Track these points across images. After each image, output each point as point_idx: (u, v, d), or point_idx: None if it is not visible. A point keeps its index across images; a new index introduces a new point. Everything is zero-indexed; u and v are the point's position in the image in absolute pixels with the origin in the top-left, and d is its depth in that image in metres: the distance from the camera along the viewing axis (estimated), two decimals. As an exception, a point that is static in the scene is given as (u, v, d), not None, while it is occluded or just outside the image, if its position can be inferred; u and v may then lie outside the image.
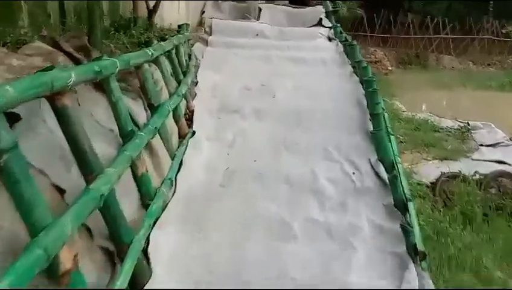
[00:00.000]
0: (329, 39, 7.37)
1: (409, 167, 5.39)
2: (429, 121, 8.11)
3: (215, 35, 7.27)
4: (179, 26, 5.27)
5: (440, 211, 4.73)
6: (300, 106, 4.75)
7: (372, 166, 3.49)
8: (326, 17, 7.83)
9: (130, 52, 3.13)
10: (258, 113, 4.54)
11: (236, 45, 6.83)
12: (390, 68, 19.48)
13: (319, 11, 8.00)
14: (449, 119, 8.26)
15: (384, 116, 3.74)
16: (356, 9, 23.03)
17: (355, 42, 5.93)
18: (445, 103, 12.49)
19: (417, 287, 2.23)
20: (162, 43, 3.40)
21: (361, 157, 3.66)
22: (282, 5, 8.48)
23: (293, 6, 8.52)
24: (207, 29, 7.46)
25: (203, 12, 7.87)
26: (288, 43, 6.97)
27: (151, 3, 4.81)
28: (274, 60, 6.22)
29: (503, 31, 22.45)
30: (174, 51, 3.96)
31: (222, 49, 6.64)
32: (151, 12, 4.74)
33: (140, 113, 2.78)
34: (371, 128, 4.03)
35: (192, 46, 6.25)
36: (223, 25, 7.53)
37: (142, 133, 2.34)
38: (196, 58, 5.73)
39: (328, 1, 8.11)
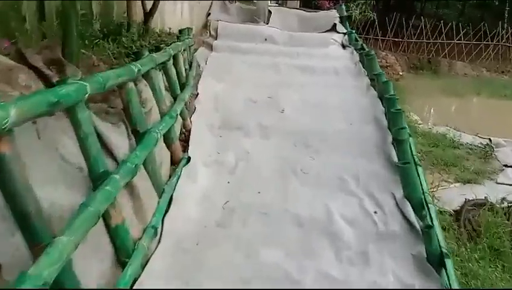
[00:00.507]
0: (344, 46, 6.85)
1: (430, 191, 4.86)
2: (447, 135, 7.56)
3: (220, 39, 6.77)
4: (180, 32, 4.77)
5: (466, 245, 4.22)
6: (311, 123, 4.24)
7: (397, 203, 2.97)
8: (341, 22, 7.29)
9: (117, 66, 2.64)
10: (264, 131, 4.04)
11: (242, 50, 6.33)
12: (401, 73, 18.90)
13: (333, 15, 7.45)
14: (469, 134, 7.71)
15: (410, 144, 3.22)
16: (368, 12, 22.49)
17: (373, 52, 5.39)
18: (459, 111, 11.91)
19: None
20: (154, 54, 2.90)
21: (383, 191, 3.14)
22: (294, 8, 7.92)
23: (306, 10, 7.99)
24: (212, 32, 6.96)
25: (209, 14, 7.36)
26: (299, 50, 6.46)
27: (149, 5, 4.30)
28: (282, 68, 5.70)
29: (518, 38, 21.78)
30: (171, 62, 3.46)
31: (227, 54, 6.14)
32: (148, 15, 4.23)
33: (122, 143, 2.28)
34: (392, 154, 3.52)
35: (195, 52, 5.77)
36: (230, 28, 7.03)
37: (116, 176, 1.84)
38: (199, 66, 5.24)
39: (343, 5, 7.54)
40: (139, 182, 2.17)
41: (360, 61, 5.81)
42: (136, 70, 2.35)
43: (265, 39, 6.89)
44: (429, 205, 2.64)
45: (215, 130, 3.99)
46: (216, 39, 6.80)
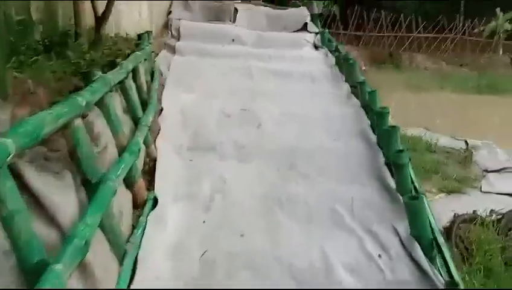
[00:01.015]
0: (316, 47, 6.44)
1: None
2: (423, 138, 7.32)
3: (184, 40, 6.18)
4: (139, 37, 4.16)
5: (462, 268, 3.92)
6: (292, 139, 3.78)
7: (402, 243, 2.56)
8: (312, 20, 6.87)
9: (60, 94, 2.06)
10: (241, 152, 3.54)
11: (208, 53, 5.79)
12: (364, 68, 18.81)
13: (304, 13, 7.00)
14: (443, 135, 7.52)
15: (410, 171, 2.82)
16: (331, 6, 22.29)
17: (352, 56, 5.00)
18: (426, 108, 11.87)
19: None
20: (109, 74, 2.33)
21: (384, 225, 2.73)
22: (261, 5, 7.41)
23: (272, 6, 7.49)
24: (174, 32, 6.36)
25: (170, 12, 6.73)
26: (270, 52, 5.99)
27: (101, 7, 3.65)
28: (255, 73, 5.21)
29: (475, 30, 22.27)
30: (129, 79, 2.88)
31: (192, 57, 5.58)
32: (100, 20, 3.58)
33: (67, 203, 1.72)
34: (387, 177, 3.13)
35: (156, 56, 5.17)
36: (194, 28, 6.45)
37: (58, 268, 1.30)
38: (161, 74, 4.66)
39: (314, 2, 7.10)
40: (91, 256, 1.62)
41: (336, 64, 5.41)
42: (83, 103, 1.79)
43: (233, 40, 6.37)
44: (444, 249, 2.24)
45: (185, 153, 3.45)
46: (179, 40, 6.21)
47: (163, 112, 3.88)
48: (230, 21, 6.88)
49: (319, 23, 6.86)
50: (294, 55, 5.93)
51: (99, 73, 2.24)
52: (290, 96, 4.57)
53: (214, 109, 4.15)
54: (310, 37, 6.52)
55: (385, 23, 21.73)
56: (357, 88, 4.39)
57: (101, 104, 2.18)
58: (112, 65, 2.67)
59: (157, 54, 5.29)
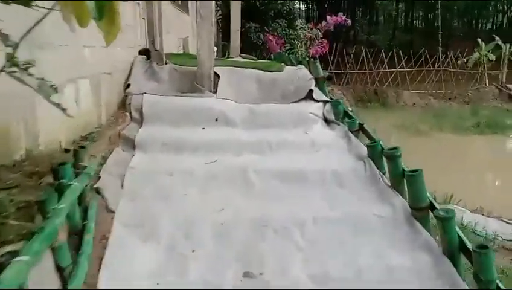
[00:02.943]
0: (326, 120, 4.81)
1: None
2: (463, 220, 5.69)
3: (148, 125, 4.46)
4: (75, 153, 2.40)
5: None
6: None
7: None
8: (317, 85, 5.25)
9: None
10: None
11: (184, 145, 4.07)
12: (350, 109, 17.53)
13: (306, 76, 5.36)
14: (487, 216, 5.93)
15: None
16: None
17: (398, 148, 3.34)
18: (436, 162, 10.34)
19: None
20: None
21: None
22: (247, 66, 5.72)
23: (264, 69, 5.83)
24: (135, 114, 4.62)
25: (128, 85, 5.00)
26: (268, 136, 4.31)
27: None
28: (254, 181, 3.47)
29: (459, 62, 21.52)
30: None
31: (159, 158, 3.84)
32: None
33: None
34: None
35: (103, 161, 3.41)
36: (162, 104, 4.74)
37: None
38: (106, 207, 2.87)
39: (317, 62, 5.45)
40: None
41: (369, 157, 3.75)
42: None
43: (216, 119, 4.67)
44: None
45: None
46: (141, 126, 4.48)
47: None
48: (210, 90, 5.20)
49: (326, 89, 5.24)
50: (302, 140, 4.26)
51: None
52: (320, 230, 2.84)
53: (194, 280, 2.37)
54: (317, 109, 4.88)
55: (366, 59, 20.70)
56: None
57: None
58: None
59: (105, 160, 3.52)
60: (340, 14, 5.38)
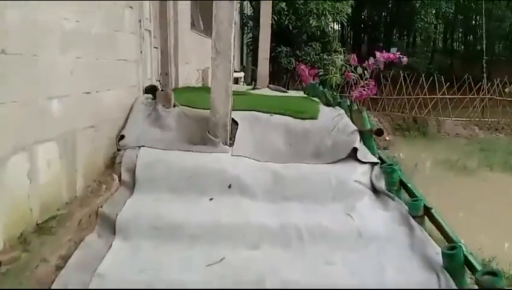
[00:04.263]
0: (374, 189, 3.62)
1: None
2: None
3: (139, 194, 3.40)
4: None
5: None
6: None
7: None
8: (362, 139, 4.06)
9: None
10: None
11: (180, 232, 2.97)
12: (387, 138, 16.16)
13: (347, 126, 4.17)
14: None
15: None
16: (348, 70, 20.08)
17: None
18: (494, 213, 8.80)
19: None
20: None
21: None
22: (274, 110, 4.56)
23: (291, 108, 4.71)
24: (125, 176, 3.58)
25: (122, 137, 3.98)
26: (298, 219, 3.14)
27: None
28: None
29: (506, 89, 19.81)
30: None
31: (144, 253, 2.76)
32: None
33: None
34: None
35: (62, 267, 2.34)
36: (160, 163, 3.68)
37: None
38: None
39: (363, 112, 4.22)
40: None
41: (444, 268, 2.53)
42: None
43: (230, 186, 3.56)
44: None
45: None
46: (132, 193, 3.43)
47: None
48: (226, 143, 4.11)
49: (374, 144, 4.04)
50: (343, 227, 3.07)
51: None
52: None
53: None
54: (363, 175, 3.69)
55: (404, 84, 19.25)
56: None
57: None
58: None
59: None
60: (394, 49, 4.20)
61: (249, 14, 14.29)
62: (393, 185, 3.54)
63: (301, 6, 12.66)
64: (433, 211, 3.02)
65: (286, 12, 12.60)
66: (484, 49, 26.04)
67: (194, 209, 3.27)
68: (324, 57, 13.18)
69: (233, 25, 4.01)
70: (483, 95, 19.78)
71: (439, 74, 21.26)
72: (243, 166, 3.73)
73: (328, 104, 6.00)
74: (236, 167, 3.72)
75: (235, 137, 4.20)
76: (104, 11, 3.53)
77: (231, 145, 4.14)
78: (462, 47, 41.80)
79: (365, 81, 4.27)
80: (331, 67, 12.99)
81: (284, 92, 8.11)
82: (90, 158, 3.41)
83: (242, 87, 8.53)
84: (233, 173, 3.64)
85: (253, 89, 8.17)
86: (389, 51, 4.29)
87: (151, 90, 4.81)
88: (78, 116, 3.16)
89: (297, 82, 13.13)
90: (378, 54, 4.20)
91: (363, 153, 3.88)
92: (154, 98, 4.66)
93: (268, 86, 8.25)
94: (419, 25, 26.69)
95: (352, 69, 4.41)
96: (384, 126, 18.24)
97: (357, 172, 3.72)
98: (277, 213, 3.30)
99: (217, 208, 3.32)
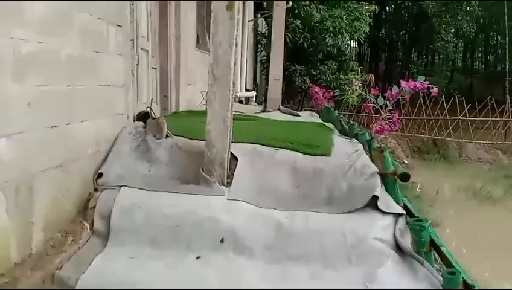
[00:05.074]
0: (397, 246, 2.96)
1: None
2: None
3: (112, 247, 2.81)
4: None
5: None
6: None
7: None
8: (384, 184, 3.40)
9: None
10: None
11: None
12: (405, 161, 15.34)
13: (365, 167, 3.50)
14: None
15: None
16: (365, 91, 19.38)
17: None
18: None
19: None
20: None
21: None
22: (280, 143, 3.93)
23: (302, 140, 4.10)
24: (98, 224, 3.00)
25: (100, 175, 3.41)
26: (304, 287, 2.53)
27: None
28: None
29: (531, 112, 18.88)
30: None
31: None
32: None
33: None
34: None
35: None
36: (142, 209, 3.09)
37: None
38: None
39: (385, 152, 3.54)
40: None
41: None
42: None
43: (222, 240, 2.94)
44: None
45: None
46: (105, 245, 2.84)
47: None
48: (223, 184, 3.50)
49: (398, 190, 3.38)
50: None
51: None
52: None
53: None
54: (384, 230, 3.03)
55: (424, 104, 18.43)
56: None
57: None
58: None
59: None
60: (421, 78, 3.58)
61: (263, 31, 13.82)
62: (422, 245, 2.87)
63: (317, 24, 12.13)
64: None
65: (301, 30, 12.07)
66: (508, 70, 25.13)
67: (176, 271, 2.67)
68: (340, 76, 12.58)
69: (234, 48, 3.44)
70: (506, 117, 18.87)
71: (459, 94, 20.44)
72: (239, 214, 3.11)
73: (343, 132, 5.38)
74: (232, 215, 3.10)
75: (233, 175, 3.59)
76: (79, 30, 2.99)
77: (229, 184, 3.53)
78: (483, 67, 40.80)
79: (387, 114, 3.64)
80: (347, 88, 12.39)
81: (295, 115, 7.52)
82: (55, 205, 2.83)
83: (251, 108, 7.96)
84: (227, 223, 3.03)
85: (263, 111, 7.60)
86: (413, 76, 3.67)
87: (143, 117, 4.26)
88: (38, 156, 2.60)
89: (311, 105, 12.57)
90: (403, 83, 3.58)
91: (385, 202, 3.23)
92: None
93: (279, 109, 7.66)
94: (439, 44, 25.96)
95: (372, 98, 3.79)
96: (402, 148, 17.45)
97: (377, 226, 3.06)
98: (278, 278, 2.67)
99: (203, 271, 2.70)
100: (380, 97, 3.68)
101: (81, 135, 3.14)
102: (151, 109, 4.08)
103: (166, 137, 3.95)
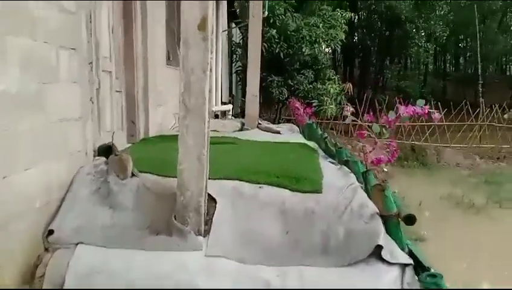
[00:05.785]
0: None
1: None
2: None
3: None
4: None
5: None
6: None
7: None
8: (386, 226, 2.93)
9: None
10: None
11: None
12: (385, 169, 15.10)
13: (363, 207, 3.01)
14: None
15: None
16: (343, 101, 19.07)
17: None
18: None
19: None
20: None
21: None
22: (264, 179, 3.43)
23: (289, 174, 3.61)
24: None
25: (50, 232, 2.84)
26: None
27: None
28: None
29: (505, 115, 19.06)
30: None
31: None
32: None
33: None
34: None
35: None
36: (101, 275, 2.53)
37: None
38: None
39: (387, 190, 3.11)
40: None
41: None
42: None
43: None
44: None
45: None
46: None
47: None
48: (200, 233, 2.98)
49: (402, 234, 2.92)
50: None
51: None
52: None
53: None
54: (391, 284, 2.59)
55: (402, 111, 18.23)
56: None
57: None
58: None
59: None
60: (421, 102, 3.17)
61: (237, 41, 13.36)
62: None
63: (293, 33, 11.76)
64: None
65: (277, 40, 11.68)
66: (480, 73, 25.47)
67: None
68: (318, 86, 12.24)
69: (208, 73, 2.93)
70: (481, 121, 18.96)
71: (433, 98, 20.49)
72: (221, 278, 2.59)
73: (327, 153, 4.96)
74: (211, 277, 2.58)
75: (211, 221, 3.07)
76: (17, 60, 2.43)
77: (207, 233, 3.01)
78: (453, 69, 41.55)
79: (386, 142, 3.21)
80: (325, 98, 12.06)
81: (276, 132, 7.07)
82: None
83: (228, 125, 7.43)
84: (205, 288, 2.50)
85: (241, 130, 7.11)
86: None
87: (105, 151, 3.69)
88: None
89: (289, 113, 12.19)
90: (402, 108, 3.16)
91: (390, 250, 2.77)
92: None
93: (258, 127, 7.19)
94: (413, 50, 26.14)
95: (366, 126, 3.35)
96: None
97: (383, 281, 2.60)
98: None
99: None
100: (374, 124, 3.24)
101: (24, 186, 2.57)
102: (113, 144, 3.52)
103: (131, 176, 3.40)
